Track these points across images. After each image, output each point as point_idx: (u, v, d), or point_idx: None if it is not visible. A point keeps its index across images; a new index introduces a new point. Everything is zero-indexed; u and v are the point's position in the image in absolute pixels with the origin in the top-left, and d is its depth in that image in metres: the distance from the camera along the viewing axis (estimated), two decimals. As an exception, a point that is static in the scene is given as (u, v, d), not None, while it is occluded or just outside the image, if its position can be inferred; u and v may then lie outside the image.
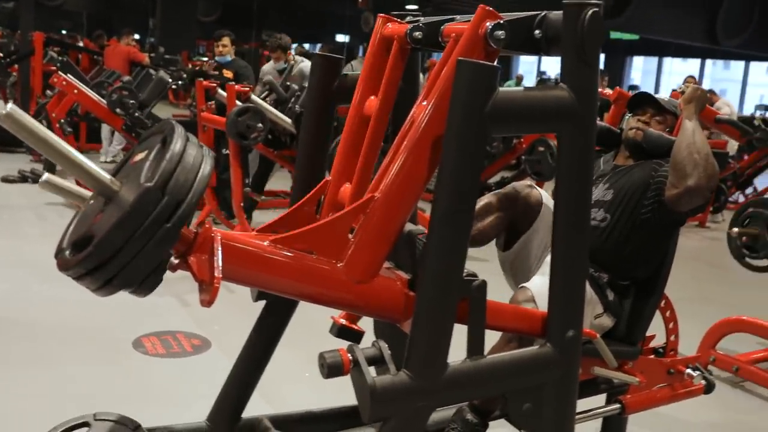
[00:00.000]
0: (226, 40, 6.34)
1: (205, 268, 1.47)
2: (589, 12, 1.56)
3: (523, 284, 2.18)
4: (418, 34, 1.91)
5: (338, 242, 1.64)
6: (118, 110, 5.85)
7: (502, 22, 1.63)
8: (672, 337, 2.59)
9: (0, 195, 6.79)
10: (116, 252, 1.33)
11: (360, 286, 1.65)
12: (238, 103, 4.83)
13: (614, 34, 19.52)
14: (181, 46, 17.31)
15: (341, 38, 27.31)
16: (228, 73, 5.93)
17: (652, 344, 2.66)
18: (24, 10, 9.48)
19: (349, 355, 1.61)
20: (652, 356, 2.62)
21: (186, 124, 6.02)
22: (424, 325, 1.58)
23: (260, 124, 4.61)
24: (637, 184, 2.38)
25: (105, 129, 8.55)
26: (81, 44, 12.54)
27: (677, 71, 23.31)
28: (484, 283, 1.63)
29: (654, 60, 23.61)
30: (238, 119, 4.58)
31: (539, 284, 2.12)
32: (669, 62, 23.36)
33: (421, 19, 1.99)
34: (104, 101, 5.96)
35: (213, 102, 5.37)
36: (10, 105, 1.33)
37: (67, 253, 1.45)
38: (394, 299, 1.68)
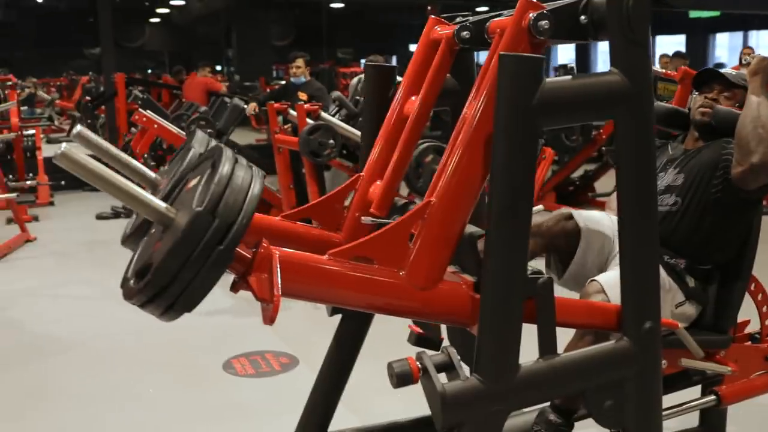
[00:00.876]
0: (300, 62, 6.43)
1: (265, 287, 1.48)
2: (634, -10, 1.51)
3: (592, 278, 2.12)
4: (465, 33, 1.89)
5: (398, 250, 1.63)
6: (197, 140, 5.99)
7: (545, 11, 1.59)
8: (767, 322, 2.45)
9: (95, 231, 7.08)
10: (173, 278, 1.35)
11: (424, 292, 1.63)
12: (310, 121, 4.88)
13: (693, 13, 18.90)
14: (259, 72, 17.71)
15: (414, 48, 27.34)
16: (303, 96, 6.00)
17: (748, 330, 2.53)
18: (106, 53, 9.89)
19: (417, 363, 1.60)
20: (749, 343, 2.49)
21: (265, 147, 6.13)
22: (491, 327, 1.55)
23: (332, 141, 4.65)
24: (707, 164, 2.28)
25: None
26: (161, 81, 12.98)
27: (766, 44, 22.35)
28: (550, 280, 1.58)
29: (740, 35, 22.70)
30: (310, 138, 4.62)
31: (608, 276, 2.06)
32: (755, 36, 22.39)
33: (470, 18, 1.97)
34: (183, 133, 6.13)
35: (289, 124, 5.45)
36: (65, 145, 1.37)
37: (131, 282, 1.48)
38: (460, 303, 1.65)
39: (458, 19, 2.02)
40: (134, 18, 21.44)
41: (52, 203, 8.29)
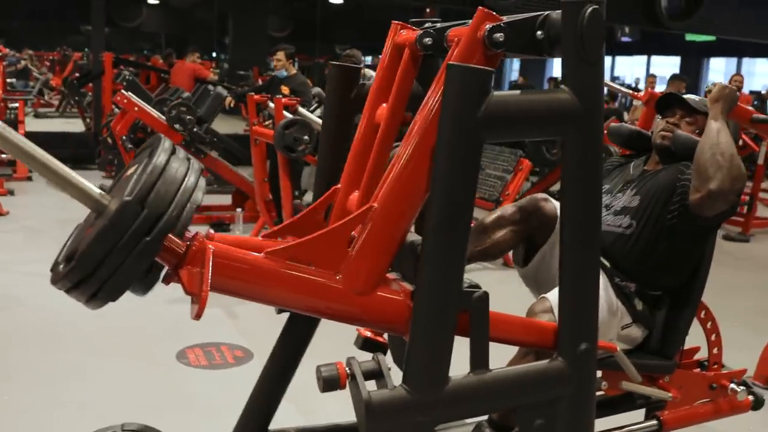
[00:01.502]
0: (280, 55, 6.39)
1: (196, 281, 1.46)
2: (589, 10, 1.50)
3: (544, 294, 2.10)
4: (427, 40, 1.87)
5: (337, 253, 1.61)
6: (176, 126, 5.97)
7: (501, 24, 1.58)
8: (714, 350, 2.46)
9: (70, 210, 6.97)
10: (97, 266, 1.33)
11: (360, 297, 1.60)
12: (288, 115, 4.86)
13: (689, 36, 18.97)
14: (253, 62, 17.64)
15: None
16: (285, 89, 5.98)
17: (697, 357, 2.54)
18: (95, 32, 9.82)
19: (346, 368, 1.58)
20: (697, 369, 2.50)
21: (244, 138, 6.10)
22: (422, 337, 1.53)
23: (307, 137, 4.63)
24: (663, 187, 2.27)
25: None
26: (150, 63, 12.90)
27: (761, 72, 22.47)
28: (485, 295, 1.57)
29: (734, 61, 22.81)
30: (286, 132, 4.60)
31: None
32: (747, 63, 22.52)
33: (437, 25, 1.95)
34: (164, 118, 6.09)
35: (271, 120, 5.42)
36: (0, 123, 1.35)
37: (61, 266, 1.46)
38: (396, 311, 1.63)
39: (427, 25, 2.00)
40: (131, -2, 21.28)
41: (30, 178, 8.23)
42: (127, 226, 1.32)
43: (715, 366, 2.45)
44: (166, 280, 1.51)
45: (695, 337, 2.47)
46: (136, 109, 6.05)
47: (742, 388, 2.38)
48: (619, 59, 25.42)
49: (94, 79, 9.62)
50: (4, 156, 7.90)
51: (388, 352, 2.04)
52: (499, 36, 1.57)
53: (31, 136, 8.38)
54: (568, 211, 1.61)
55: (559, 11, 1.56)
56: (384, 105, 1.95)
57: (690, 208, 2.17)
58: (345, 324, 1.66)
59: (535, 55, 1.64)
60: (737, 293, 4.44)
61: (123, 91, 6.47)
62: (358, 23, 24.62)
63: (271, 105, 5.10)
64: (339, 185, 1.96)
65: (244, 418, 2.27)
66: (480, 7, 1.62)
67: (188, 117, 5.96)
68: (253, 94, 5.48)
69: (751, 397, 2.42)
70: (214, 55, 20.98)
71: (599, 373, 2.11)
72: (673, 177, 2.26)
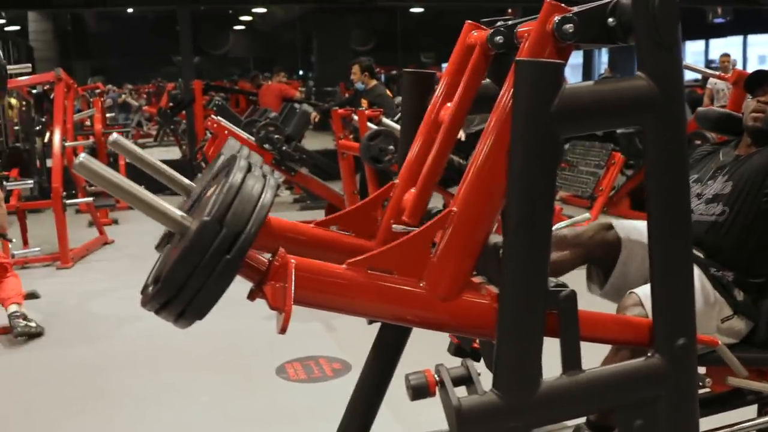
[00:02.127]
0: (354, 69, 6.46)
1: (279, 296, 1.48)
2: (660, -8, 1.44)
3: (631, 290, 2.03)
4: (498, 38, 1.84)
5: (418, 259, 1.59)
6: (266, 146, 6.10)
7: (570, 14, 1.54)
8: (827, 339, 2.31)
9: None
10: (181, 286, 1.36)
11: (446, 303, 1.58)
12: (372, 127, 4.89)
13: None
14: (339, 78, 17.88)
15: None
16: (363, 102, 6.03)
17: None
18: (185, 62, 10.16)
19: (435, 375, 1.56)
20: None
21: (335, 153, 6.17)
22: (509, 340, 1.50)
23: (392, 147, 4.64)
24: (757, 170, 2.16)
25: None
26: (237, 87, 13.25)
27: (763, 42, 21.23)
28: (573, 293, 1.53)
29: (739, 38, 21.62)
30: (371, 143, 4.63)
31: (647, 288, 1.97)
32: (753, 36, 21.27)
33: (509, 22, 1.92)
34: (253, 139, 6.23)
35: (354, 130, 5.47)
36: (82, 155, 1.40)
37: (150, 288, 1.50)
38: (483, 315, 1.60)
39: (498, 23, 1.97)
40: (218, 26, 21.96)
41: (131, 207, 8.53)
42: (207, 246, 1.35)
43: (831, 356, 2.31)
44: (251, 296, 1.53)
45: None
46: (226, 132, 6.21)
47: None
48: (712, 42, 24.47)
49: (187, 107, 9.94)
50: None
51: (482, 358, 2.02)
52: (568, 27, 1.53)
53: (131, 166, 8.75)
54: (654, 203, 1.55)
55: (631, -3, 1.51)
56: (448, 105, 1.94)
57: None
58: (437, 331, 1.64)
59: (608, 43, 1.59)
60: None
61: (213, 116, 6.65)
62: (439, 30, 24.63)
63: (356, 118, 5.14)
64: (396, 180, 1.97)
65: (342, 428, 2.28)
66: (547, 0, 1.58)
67: (276, 136, 6.08)
68: (337, 108, 5.54)
69: None
70: (300, 73, 21.41)
71: (702, 369, 2.02)
72: (766, 159, 2.15)
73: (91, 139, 8.05)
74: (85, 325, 4.63)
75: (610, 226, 2.31)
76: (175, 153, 11.98)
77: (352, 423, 2.28)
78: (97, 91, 11.29)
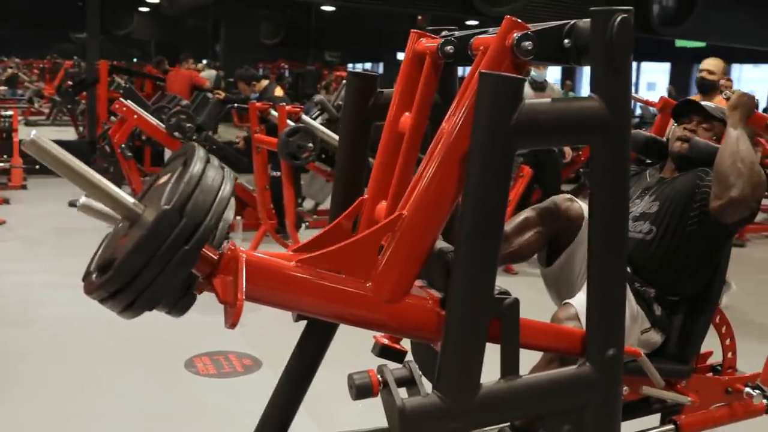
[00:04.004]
0: (240, 86, 6.60)
1: (230, 290, 1.46)
2: (618, 18, 1.51)
3: (567, 300, 2.11)
4: (449, 48, 1.88)
5: (367, 261, 1.61)
6: (176, 134, 5.96)
7: (529, 32, 1.59)
8: (729, 354, 2.47)
9: (65, 219, 6.98)
10: (135, 275, 1.33)
11: (389, 305, 1.61)
12: (290, 123, 4.86)
13: (679, 42, 19.08)
14: (245, 70, 17.64)
15: (402, 56, 27.41)
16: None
17: (710, 361, 2.55)
18: (90, 40, 9.80)
19: (378, 376, 1.58)
20: (710, 374, 2.51)
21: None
22: (455, 345, 1.53)
23: (311, 144, 4.63)
24: (682, 193, 2.29)
25: (169, 153, 8.73)
26: (145, 71, 12.89)
27: (750, 78, 22.62)
28: (516, 302, 1.58)
29: (723, 67, 22.94)
30: (289, 140, 4.61)
31: (584, 301, 2.05)
32: (738, 68, 22.68)
33: (456, 33, 1.96)
34: (163, 126, 6.08)
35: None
36: (33, 132, 1.35)
37: (93, 276, 1.46)
38: (425, 318, 1.64)
39: (444, 33, 2.01)
40: (123, 5, 21.26)
41: (24, 187, 8.19)
42: (165, 235, 1.33)
43: (730, 370, 2.47)
44: (198, 289, 1.51)
45: (706, 342, 2.48)
46: (135, 117, 6.03)
47: (757, 391, 2.40)
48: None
49: (89, 87, 9.59)
50: (0, 164, 7.85)
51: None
52: (528, 44, 1.58)
53: (27, 144, 8.38)
54: (596, 218, 1.62)
55: (586, 20, 1.57)
56: (407, 114, 1.96)
57: (710, 215, 2.19)
58: (359, 331, 1.66)
59: (563, 63, 1.66)
60: (738, 299, 4.47)
61: (121, 99, 6.45)
62: (347, 30, 24.68)
63: (273, 113, 5.10)
64: (365, 196, 1.97)
65: (261, 426, 2.27)
66: (507, 16, 1.63)
67: (188, 125, 5.96)
68: (255, 102, 5.47)
69: (765, 401, 2.43)
70: (204, 62, 21.06)
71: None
72: (691, 183, 2.28)
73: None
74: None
75: (573, 199, 2.31)
76: (69, 133, 11.53)
77: (271, 420, 2.27)
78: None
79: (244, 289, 1.45)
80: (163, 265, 1.33)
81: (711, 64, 5.27)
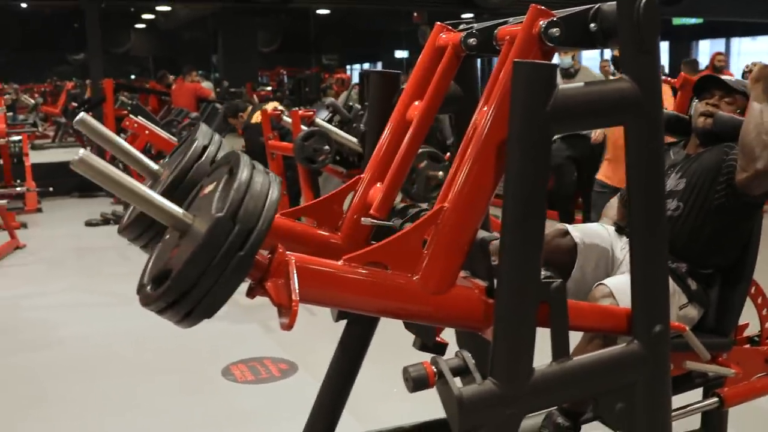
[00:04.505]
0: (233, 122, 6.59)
1: (283, 292, 1.48)
2: (643, 0, 1.53)
3: (601, 281, 2.14)
4: (472, 40, 1.91)
5: (412, 255, 1.63)
6: (188, 146, 5.98)
7: (555, 19, 1.61)
8: (767, 325, 2.49)
9: (84, 238, 7.05)
10: (194, 284, 1.36)
11: (437, 297, 1.64)
12: (303, 128, 4.88)
13: (677, 20, 19.06)
14: (245, 78, 17.69)
15: (400, 54, 27.47)
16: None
17: (747, 333, 2.56)
18: (93, 60, 9.85)
19: (433, 367, 1.60)
20: (748, 346, 2.53)
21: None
22: (506, 331, 1.56)
23: (327, 147, 4.65)
24: (708, 168, 2.31)
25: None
26: (148, 86, 12.94)
27: (747, 51, 22.57)
28: (563, 285, 1.60)
29: (722, 42, 22.90)
30: (305, 144, 4.62)
31: (617, 280, 2.08)
32: (737, 43, 22.62)
33: (475, 25, 1.98)
34: (174, 139, 6.11)
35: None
36: (82, 151, 1.38)
37: (148, 288, 1.48)
38: (472, 308, 1.67)
39: (462, 27, 2.03)
40: (120, 23, 21.35)
41: (40, 210, 8.22)
42: (220, 243, 1.35)
43: (768, 340, 2.49)
44: (251, 294, 1.53)
45: (742, 314, 2.50)
46: (146, 132, 6.07)
47: (797, 359, 2.41)
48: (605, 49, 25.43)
49: (95, 107, 9.64)
50: (16, 189, 7.89)
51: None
52: (555, 31, 1.60)
53: (37, 167, 8.43)
54: (634, 197, 1.64)
55: (611, 3, 1.60)
56: (416, 103, 1.99)
57: (737, 188, 2.21)
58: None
59: (589, 47, 1.68)
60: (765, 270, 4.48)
61: (131, 115, 6.49)
62: (343, 32, 24.70)
63: (286, 119, 5.13)
64: (362, 175, 2.01)
65: (308, 428, 2.30)
66: (532, 5, 1.66)
67: (200, 137, 5.97)
68: (266, 109, 5.50)
69: (806, 369, 2.45)
70: (201, 73, 21.12)
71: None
72: (717, 158, 2.30)
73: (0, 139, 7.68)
74: (11, 332, 4.43)
75: (566, 232, 2.40)
76: (76, 154, 11.53)
77: (319, 420, 2.30)
78: (-5, 89, 10.82)
79: (297, 291, 1.47)
80: (220, 272, 1.36)
81: None
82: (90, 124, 1.74)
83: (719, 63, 9.08)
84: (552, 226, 2.49)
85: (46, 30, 22.71)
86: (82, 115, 1.75)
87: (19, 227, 7.22)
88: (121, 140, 1.87)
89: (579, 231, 2.41)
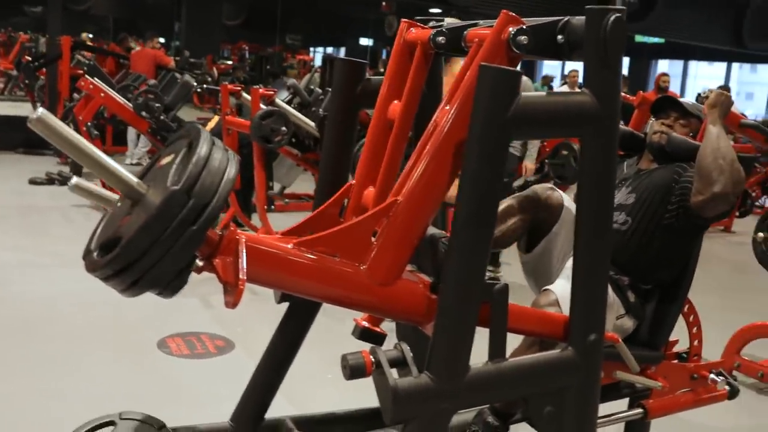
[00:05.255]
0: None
1: (230, 270, 1.49)
2: (612, 17, 1.57)
3: (547, 287, 2.18)
4: (441, 39, 1.92)
5: (361, 245, 1.66)
6: (143, 113, 5.92)
7: (524, 27, 1.64)
8: (695, 342, 2.58)
9: (27, 197, 6.89)
10: (143, 254, 1.35)
11: (382, 288, 1.66)
12: (263, 106, 4.86)
13: (639, 38, 19.40)
14: (206, 50, 17.47)
15: (365, 42, 27.41)
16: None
17: (676, 349, 2.65)
18: (52, 15, 9.61)
19: (371, 357, 1.63)
20: (675, 361, 2.61)
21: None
22: (446, 328, 1.58)
23: (284, 128, 4.64)
24: (659, 186, 2.38)
25: (131, 132, 8.64)
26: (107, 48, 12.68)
27: (704, 75, 23.08)
28: (505, 287, 1.64)
29: (680, 64, 23.39)
30: (263, 122, 4.60)
31: (563, 288, 2.12)
32: (695, 66, 23.14)
33: (444, 23, 2.00)
34: (130, 104, 6.02)
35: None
36: (41, 110, 1.36)
37: (95, 254, 1.47)
38: (416, 302, 1.69)
39: (432, 24, 2.05)
40: (82, -21, 20.87)
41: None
42: (174, 215, 1.35)
43: (695, 357, 2.57)
44: (198, 270, 1.53)
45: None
46: (102, 95, 5.96)
47: (721, 378, 2.50)
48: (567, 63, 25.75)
49: (50, 64, 9.42)
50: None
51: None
52: (523, 39, 1.63)
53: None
54: (584, 208, 1.68)
55: (580, 17, 1.63)
56: (396, 102, 2.00)
57: (690, 209, 2.28)
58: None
59: (555, 58, 1.71)
60: (695, 289, 4.62)
61: (87, 76, 6.37)
62: (310, 14, 24.51)
63: (246, 96, 5.09)
64: (353, 181, 2.01)
65: (241, 407, 2.30)
66: (503, 11, 1.68)
67: (156, 104, 5.91)
68: (226, 83, 5.46)
69: (728, 387, 2.54)
70: (162, 40, 20.72)
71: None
72: (669, 177, 2.37)
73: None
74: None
75: (553, 189, 2.37)
76: (26, 109, 11.28)
77: (251, 400, 2.30)
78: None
79: (245, 269, 1.47)
80: (170, 244, 1.36)
81: None
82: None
83: (663, 83, 9.33)
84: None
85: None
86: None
87: (-40, 180, 7.05)
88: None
89: (564, 196, 2.39)
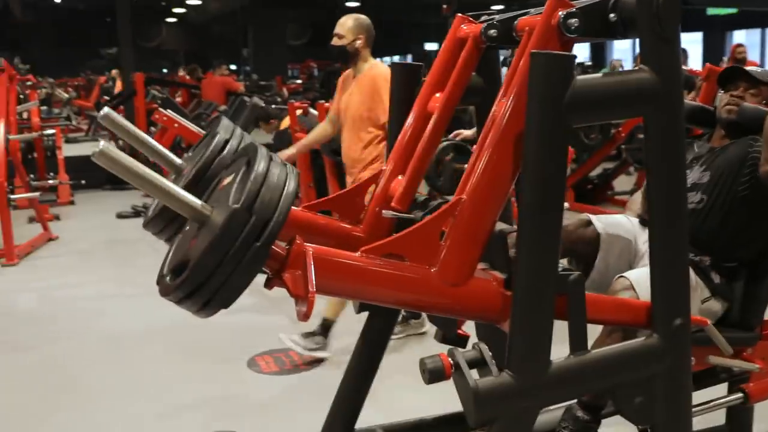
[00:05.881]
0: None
1: (300, 283, 1.49)
2: (664, -12, 1.51)
3: (621, 274, 2.12)
4: (492, 32, 1.90)
5: (430, 247, 1.64)
6: (217, 139, 6.02)
7: (574, 9, 1.60)
8: (793, 319, 2.45)
9: (116, 230, 7.14)
10: (210, 274, 1.37)
11: (455, 289, 1.63)
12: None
13: (711, 11, 18.77)
14: (274, 72, 17.76)
15: (429, 47, 27.40)
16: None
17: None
18: (125, 53, 9.95)
19: (450, 359, 1.60)
20: (774, 340, 2.49)
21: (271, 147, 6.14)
22: (523, 323, 1.56)
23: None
24: (733, 161, 2.28)
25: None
26: (178, 80, 13.04)
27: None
28: (581, 277, 1.60)
29: (757, 33, 22.47)
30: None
31: (638, 273, 2.06)
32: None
33: (496, 16, 1.97)
34: (203, 132, 6.15)
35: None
36: (103, 143, 1.40)
37: (167, 279, 1.50)
38: (490, 300, 1.67)
39: (483, 18, 2.02)
40: (151, 17, 21.53)
41: (72, 202, 8.36)
42: (237, 234, 1.36)
43: (795, 335, 2.44)
44: (269, 285, 1.54)
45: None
46: (176, 125, 6.11)
47: (824, 355, 2.37)
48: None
49: (127, 100, 9.75)
50: (49, 182, 8.01)
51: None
52: (574, 22, 1.59)
53: (70, 160, 8.55)
54: (655, 190, 1.63)
55: (631, -7, 1.58)
56: (437, 95, 1.98)
57: (761, 179, 2.18)
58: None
59: (609, 38, 1.66)
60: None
61: (161, 109, 6.55)
62: (375, 25, 24.63)
63: (312, 111, 5.14)
64: (384, 168, 2.01)
65: (330, 419, 2.31)
66: (550, -5, 1.64)
67: (228, 129, 6.01)
68: (293, 102, 5.53)
69: (832, 364, 2.40)
70: (233, 67, 21.19)
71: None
72: (742, 151, 2.27)
73: (34, 132, 7.79)
74: (44, 323, 4.51)
75: (589, 222, 2.39)
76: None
77: (340, 412, 2.31)
78: (29, 83, 10.97)
79: (314, 282, 1.48)
80: (237, 263, 1.37)
81: (340, 25, 4.14)
82: (113, 119, 1.78)
83: (740, 55, 8.95)
84: (574, 216, 2.49)
85: (80, 25, 22.96)
86: (105, 109, 1.79)
87: (52, 219, 7.33)
88: (143, 134, 1.89)
89: (602, 222, 2.39)
